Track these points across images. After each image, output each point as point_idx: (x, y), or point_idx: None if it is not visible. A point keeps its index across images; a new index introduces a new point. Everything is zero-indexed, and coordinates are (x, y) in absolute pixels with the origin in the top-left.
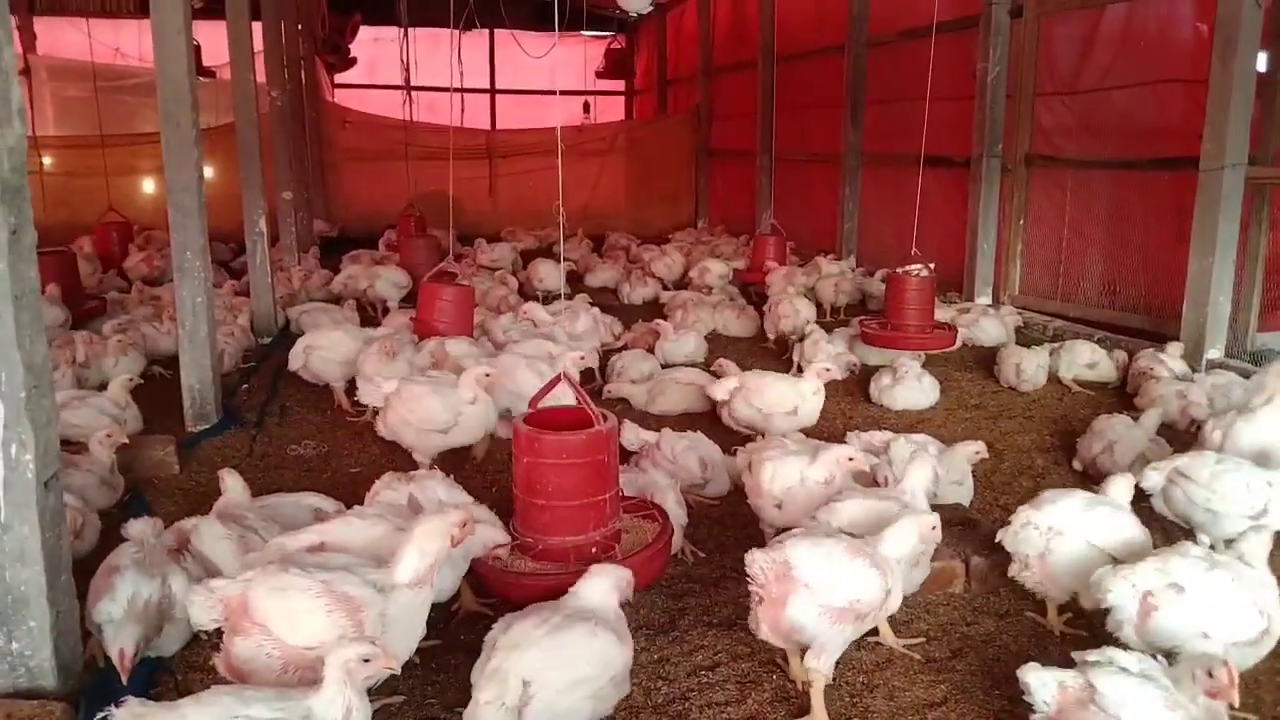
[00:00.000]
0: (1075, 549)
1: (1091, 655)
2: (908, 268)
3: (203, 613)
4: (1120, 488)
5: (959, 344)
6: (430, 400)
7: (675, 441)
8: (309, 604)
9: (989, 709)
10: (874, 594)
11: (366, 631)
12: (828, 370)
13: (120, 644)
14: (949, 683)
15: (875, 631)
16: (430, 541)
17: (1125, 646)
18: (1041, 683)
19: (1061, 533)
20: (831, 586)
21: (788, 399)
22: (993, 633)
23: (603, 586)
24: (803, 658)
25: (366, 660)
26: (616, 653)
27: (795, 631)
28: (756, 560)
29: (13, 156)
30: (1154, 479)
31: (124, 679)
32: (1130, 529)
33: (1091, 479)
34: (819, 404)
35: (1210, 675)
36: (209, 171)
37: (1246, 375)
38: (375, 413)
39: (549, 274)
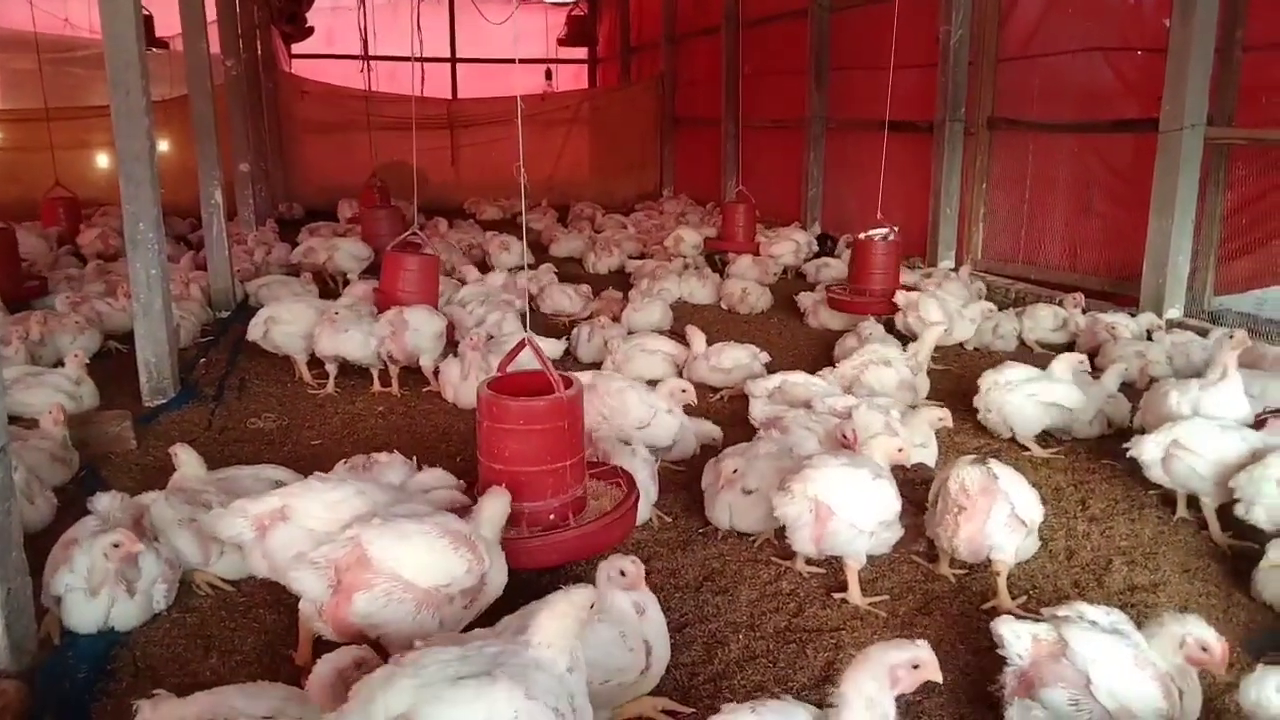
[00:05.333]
0: (1023, 401)
1: (1061, 610)
2: (871, 232)
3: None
4: (1063, 365)
5: None
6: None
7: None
8: (435, 544)
9: (956, 662)
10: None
11: (485, 566)
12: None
13: None
14: (917, 637)
15: (842, 588)
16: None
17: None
18: (1015, 635)
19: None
20: (1026, 500)
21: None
22: (957, 589)
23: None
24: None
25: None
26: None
27: (988, 538)
28: (967, 474)
29: None
30: (1152, 451)
31: None
32: (1071, 395)
33: (1055, 438)
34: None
35: (1204, 650)
36: (164, 145)
37: (1204, 334)
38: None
39: (513, 247)
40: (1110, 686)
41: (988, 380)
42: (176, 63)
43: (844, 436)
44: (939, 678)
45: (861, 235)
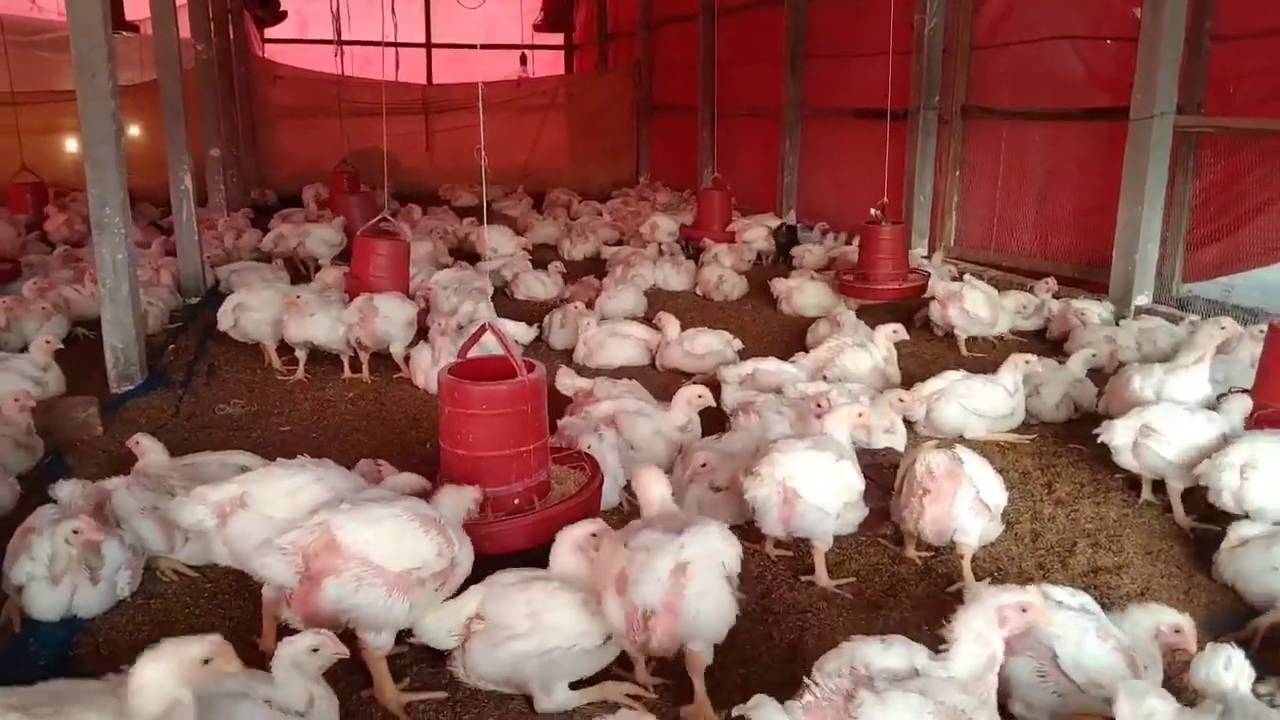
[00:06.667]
0: (952, 412)
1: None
2: (874, 215)
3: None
4: (1009, 369)
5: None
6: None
7: (610, 388)
8: (405, 528)
9: (922, 643)
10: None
11: (454, 550)
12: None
13: None
14: (883, 619)
15: (809, 571)
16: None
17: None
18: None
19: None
20: (990, 485)
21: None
22: (923, 572)
23: None
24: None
25: (315, 650)
26: None
27: (953, 520)
28: (933, 458)
29: None
30: (1121, 436)
31: None
32: (1002, 401)
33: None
34: None
35: (1178, 632)
36: (135, 130)
37: (1173, 321)
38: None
39: (498, 242)
40: (1075, 658)
41: (925, 389)
42: (147, 47)
43: (818, 406)
44: (1049, 620)
45: (872, 211)
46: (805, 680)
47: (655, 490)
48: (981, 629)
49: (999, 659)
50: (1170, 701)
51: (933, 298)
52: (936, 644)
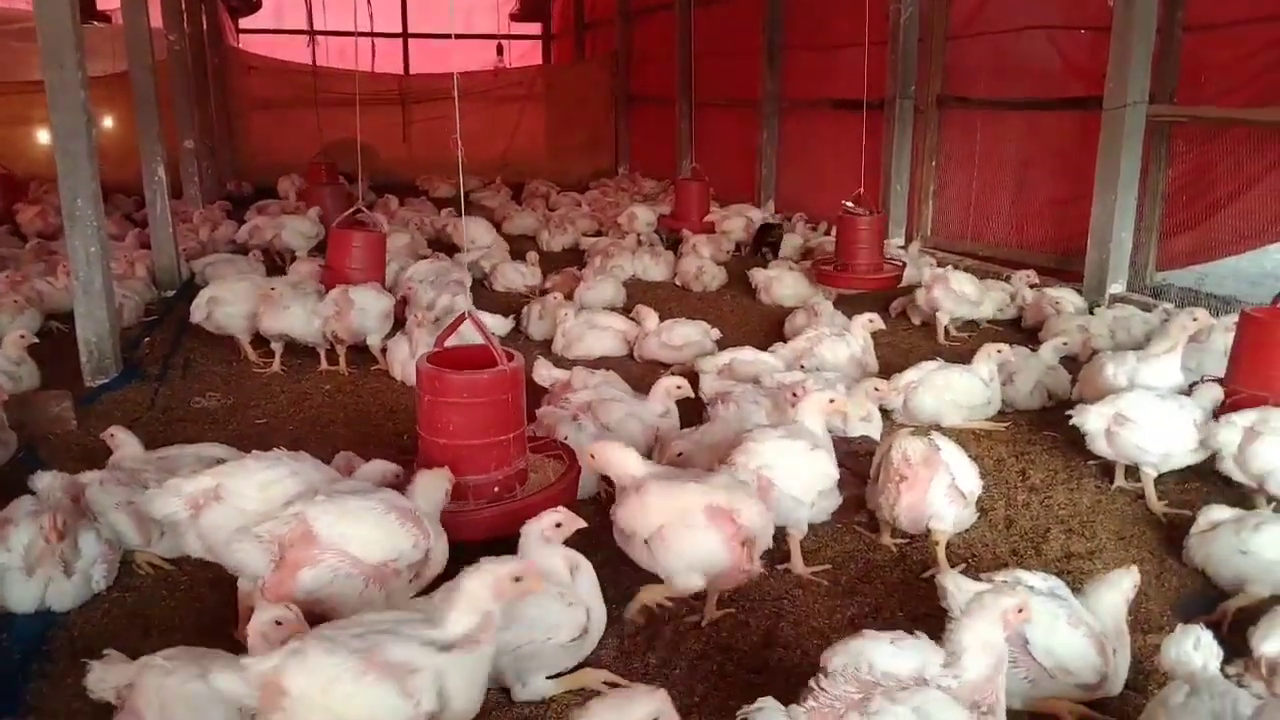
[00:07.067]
0: (929, 400)
1: (999, 576)
2: (849, 206)
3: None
4: (983, 359)
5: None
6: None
7: (588, 378)
8: (382, 520)
9: (896, 629)
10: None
11: (429, 541)
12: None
13: None
14: (858, 605)
15: (785, 558)
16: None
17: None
18: (959, 588)
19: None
20: (965, 472)
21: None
22: (898, 558)
23: None
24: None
25: (280, 624)
26: None
27: (928, 507)
28: (909, 445)
29: None
30: (1095, 422)
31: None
32: (979, 390)
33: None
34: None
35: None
36: (108, 121)
37: (1147, 309)
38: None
39: (477, 233)
40: (1046, 644)
41: (902, 379)
42: (118, 37)
43: (794, 395)
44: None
45: (846, 202)
46: (810, 683)
47: (629, 458)
48: (988, 635)
49: (1005, 660)
50: None
51: (910, 288)
52: (910, 628)
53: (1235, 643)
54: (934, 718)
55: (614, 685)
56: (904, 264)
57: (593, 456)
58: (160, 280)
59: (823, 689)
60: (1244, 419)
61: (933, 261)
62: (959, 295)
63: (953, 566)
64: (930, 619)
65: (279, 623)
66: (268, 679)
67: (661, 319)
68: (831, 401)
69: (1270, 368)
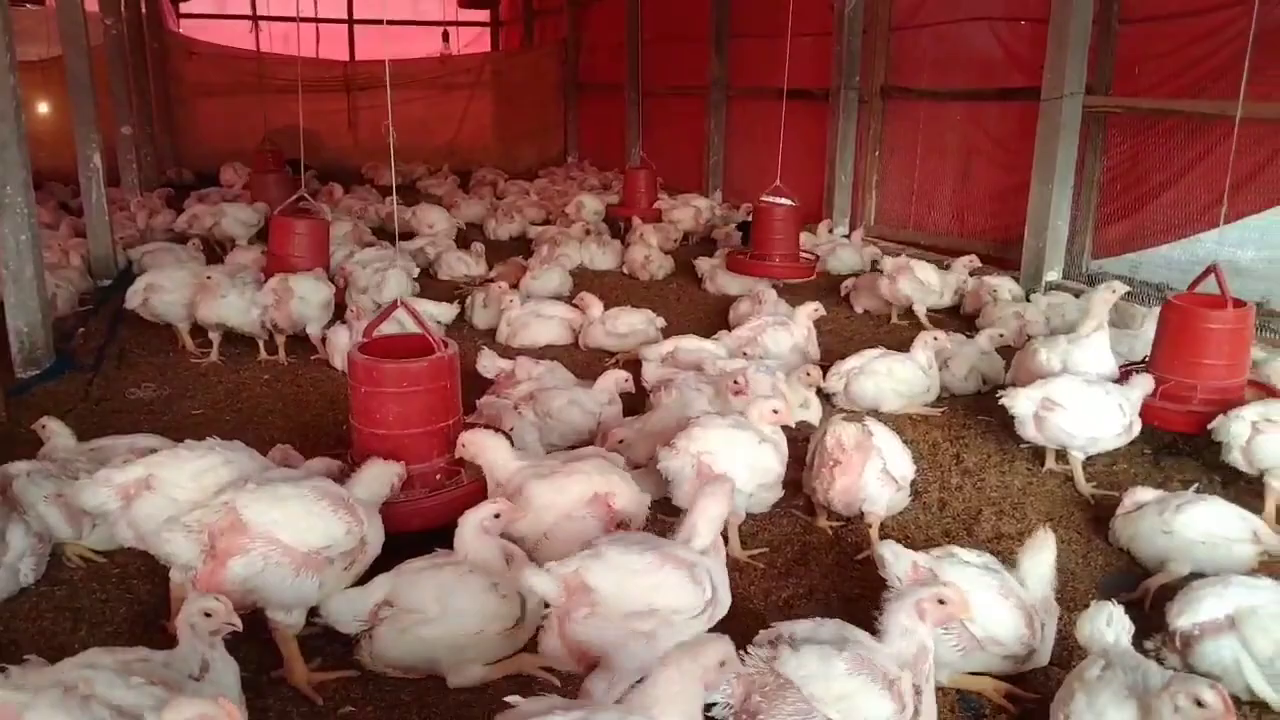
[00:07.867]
0: (869, 387)
1: (935, 552)
2: (770, 197)
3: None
4: (920, 347)
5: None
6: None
7: (531, 368)
8: (313, 507)
9: (831, 610)
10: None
11: (364, 529)
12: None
13: None
14: (793, 586)
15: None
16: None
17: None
18: (895, 556)
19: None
20: (898, 457)
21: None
22: (833, 541)
23: None
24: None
25: (209, 615)
26: None
27: (862, 491)
28: (843, 430)
29: None
30: (1024, 406)
31: None
32: (918, 377)
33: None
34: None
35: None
36: (43, 107)
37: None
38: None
39: (437, 219)
40: (978, 616)
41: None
42: (54, 21)
43: (735, 384)
44: (970, 615)
45: (762, 198)
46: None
47: (499, 450)
48: (905, 623)
49: (930, 647)
50: None
51: (853, 275)
52: (845, 609)
53: (1157, 619)
54: (859, 651)
55: (549, 671)
56: (818, 257)
57: (463, 445)
58: (96, 269)
59: (748, 653)
60: (1252, 412)
61: (876, 253)
62: (924, 285)
63: None
64: (864, 600)
65: (208, 614)
66: (569, 580)
67: (608, 307)
68: (775, 413)
69: (1192, 354)
